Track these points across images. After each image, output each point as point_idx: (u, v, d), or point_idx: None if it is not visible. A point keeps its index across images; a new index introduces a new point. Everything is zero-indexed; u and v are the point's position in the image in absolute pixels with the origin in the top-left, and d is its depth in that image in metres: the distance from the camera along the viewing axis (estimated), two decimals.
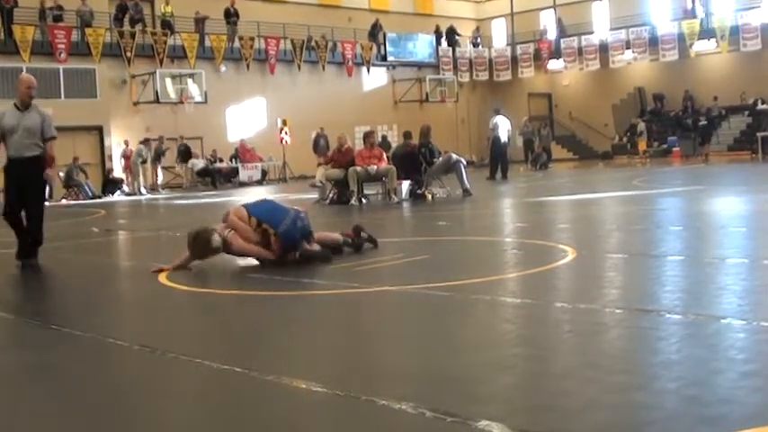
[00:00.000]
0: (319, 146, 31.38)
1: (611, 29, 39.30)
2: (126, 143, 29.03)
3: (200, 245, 7.90)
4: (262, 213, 8.07)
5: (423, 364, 4.19)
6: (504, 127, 24.49)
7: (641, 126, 35.37)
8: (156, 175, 29.57)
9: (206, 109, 31.78)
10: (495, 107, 26.94)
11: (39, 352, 5.11)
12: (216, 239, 7.89)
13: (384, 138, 33.60)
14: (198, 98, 31.65)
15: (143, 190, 28.06)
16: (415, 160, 17.42)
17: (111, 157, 28.92)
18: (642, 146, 34.89)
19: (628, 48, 38.00)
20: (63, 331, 5.48)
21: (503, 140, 24.33)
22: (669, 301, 5.44)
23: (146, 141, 29.08)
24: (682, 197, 15.07)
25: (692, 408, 3.21)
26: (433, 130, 18.53)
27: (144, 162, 28.49)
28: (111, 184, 27.96)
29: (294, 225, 7.93)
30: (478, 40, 43.39)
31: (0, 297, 7.54)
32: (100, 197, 26.38)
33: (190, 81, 31.71)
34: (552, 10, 41.67)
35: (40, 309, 6.74)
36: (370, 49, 38.25)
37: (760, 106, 35.21)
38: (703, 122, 32.69)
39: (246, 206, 8.20)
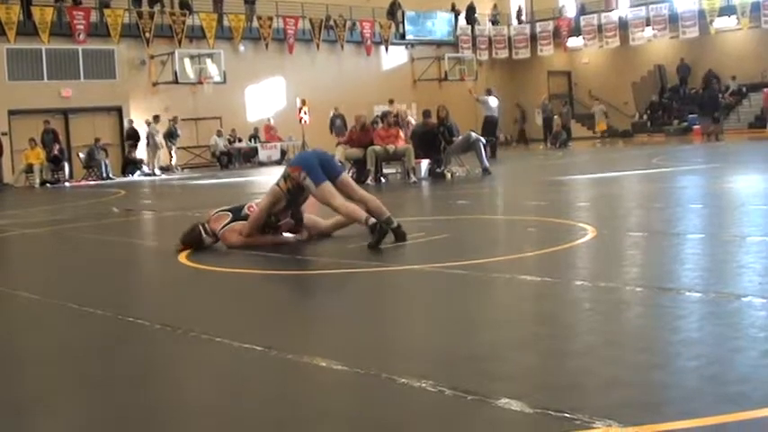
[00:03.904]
0: (335, 126, 31.28)
1: (631, 6, 38.91)
2: (149, 121, 28.90)
3: (192, 241, 8.02)
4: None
5: (442, 342, 4.21)
6: (496, 106, 26.21)
7: (597, 108, 36.17)
8: (171, 156, 29.59)
9: (225, 89, 31.74)
10: (487, 88, 27.69)
11: (60, 332, 5.16)
12: (206, 239, 8.01)
13: (396, 116, 33.36)
14: (217, 78, 31.59)
15: (157, 171, 28.10)
16: (435, 139, 17.40)
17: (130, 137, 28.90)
18: (601, 126, 36.07)
19: (647, 25, 37.63)
20: (83, 310, 5.52)
21: (496, 118, 26.18)
22: (689, 280, 5.42)
23: (156, 118, 28.97)
24: (701, 175, 14.96)
25: (712, 386, 3.20)
26: (449, 109, 18.57)
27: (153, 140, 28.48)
28: (130, 165, 28.04)
29: (304, 152, 8.26)
30: (497, 17, 43.09)
31: (23, 277, 7.60)
32: (112, 178, 26.35)
33: (208, 61, 31.66)
34: None
35: (61, 289, 6.79)
36: (389, 27, 38.05)
37: None
38: (721, 101, 31.93)
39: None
